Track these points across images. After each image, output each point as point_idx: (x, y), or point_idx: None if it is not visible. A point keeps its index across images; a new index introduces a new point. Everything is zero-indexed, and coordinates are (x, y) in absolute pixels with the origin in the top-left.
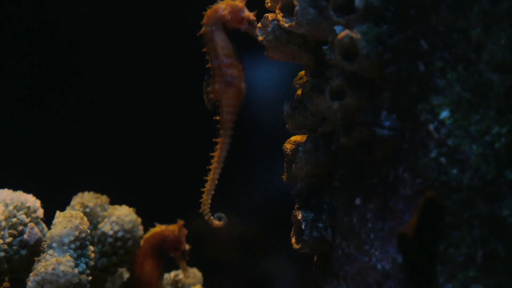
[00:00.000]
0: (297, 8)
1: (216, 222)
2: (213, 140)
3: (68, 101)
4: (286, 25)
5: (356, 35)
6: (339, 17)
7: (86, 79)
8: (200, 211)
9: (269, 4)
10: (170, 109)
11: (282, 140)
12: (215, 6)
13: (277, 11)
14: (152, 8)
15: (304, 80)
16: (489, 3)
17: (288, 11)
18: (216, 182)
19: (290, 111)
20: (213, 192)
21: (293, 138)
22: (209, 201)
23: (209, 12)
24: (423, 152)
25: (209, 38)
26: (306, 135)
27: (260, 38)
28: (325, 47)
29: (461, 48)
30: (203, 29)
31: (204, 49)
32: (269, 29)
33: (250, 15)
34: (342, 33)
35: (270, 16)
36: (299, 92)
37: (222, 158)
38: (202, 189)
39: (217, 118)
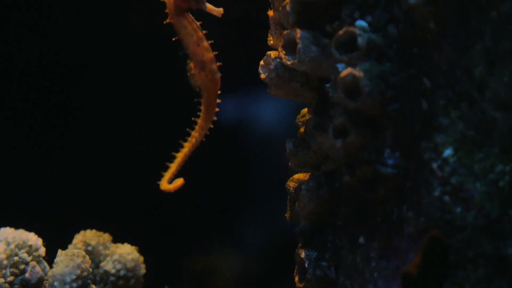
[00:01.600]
0: (299, 46)
1: (169, 186)
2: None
3: (70, 139)
4: (289, 63)
5: (358, 73)
6: (342, 55)
7: (87, 118)
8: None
9: (271, 42)
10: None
11: (285, 178)
12: None
13: (279, 49)
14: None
15: (307, 118)
16: (491, 41)
17: (290, 49)
18: (184, 162)
19: (293, 149)
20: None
21: (296, 176)
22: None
23: (166, 0)
24: (427, 190)
25: (176, 26)
26: (309, 173)
27: (262, 76)
28: (327, 85)
29: (464, 86)
30: (168, 18)
31: (176, 38)
32: (272, 67)
33: None
34: (345, 71)
35: (272, 54)
36: (302, 130)
37: (198, 140)
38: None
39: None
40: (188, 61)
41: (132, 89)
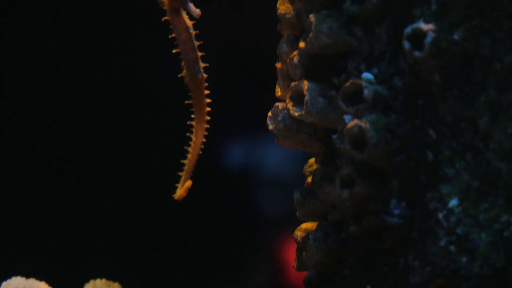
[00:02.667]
0: (306, 97)
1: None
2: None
3: (80, 187)
4: (296, 114)
5: (365, 124)
6: (348, 107)
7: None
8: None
9: (279, 93)
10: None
11: (292, 227)
12: None
13: (287, 100)
14: None
15: (314, 168)
16: (495, 93)
17: (298, 100)
18: (193, 167)
19: (300, 199)
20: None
21: (304, 225)
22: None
23: None
24: (433, 240)
25: (171, 24)
26: (316, 223)
27: (270, 127)
28: (334, 136)
29: (469, 137)
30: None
31: (172, 35)
32: (279, 118)
33: None
34: (351, 122)
35: (280, 105)
36: (309, 179)
37: (198, 142)
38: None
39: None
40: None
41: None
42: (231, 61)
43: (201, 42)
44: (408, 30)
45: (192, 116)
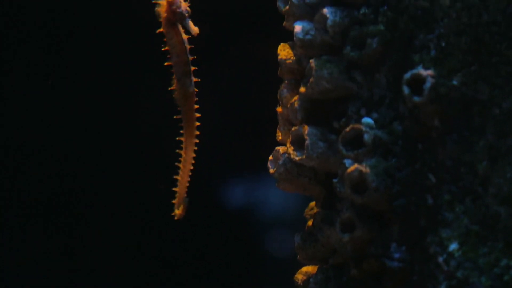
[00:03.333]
0: (307, 142)
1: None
2: (177, 139)
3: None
4: (297, 158)
5: (365, 169)
6: (349, 151)
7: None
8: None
9: (279, 138)
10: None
11: (293, 270)
12: (161, 3)
13: (288, 145)
14: None
15: (315, 212)
16: (494, 137)
17: (298, 144)
18: (187, 184)
19: (301, 243)
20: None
21: (304, 269)
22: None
23: (159, 10)
24: (433, 284)
25: (166, 36)
26: (317, 266)
27: (271, 170)
28: (335, 180)
29: (468, 181)
30: (161, 27)
31: (165, 48)
32: (280, 162)
33: (179, 5)
34: (352, 167)
35: (281, 149)
36: (310, 223)
37: (188, 158)
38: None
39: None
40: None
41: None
42: (232, 104)
43: (195, 57)
44: (407, 75)
45: (181, 131)
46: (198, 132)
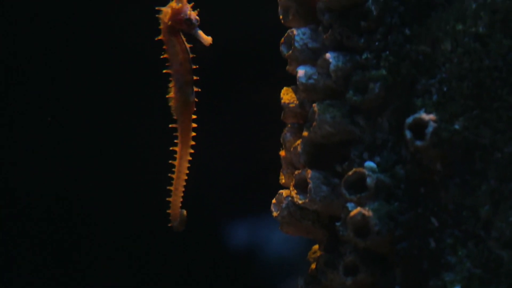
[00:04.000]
0: (310, 185)
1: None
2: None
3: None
4: (300, 202)
5: (368, 212)
6: (351, 195)
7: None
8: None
9: (283, 181)
10: None
11: None
12: (163, 10)
13: (291, 188)
14: None
15: (318, 255)
16: (496, 181)
17: (301, 188)
18: (181, 194)
19: (304, 286)
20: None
21: None
22: (177, 211)
23: (160, 17)
24: None
25: (166, 44)
26: None
27: (274, 214)
28: (338, 224)
29: (471, 225)
30: (161, 35)
31: (163, 55)
32: (283, 205)
33: (188, 13)
34: (355, 210)
35: (284, 192)
36: (313, 266)
37: (182, 169)
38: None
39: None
40: (169, 84)
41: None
42: (236, 147)
43: (197, 66)
44: (409, 120)
45: (176, 141)
46: (193, 142)
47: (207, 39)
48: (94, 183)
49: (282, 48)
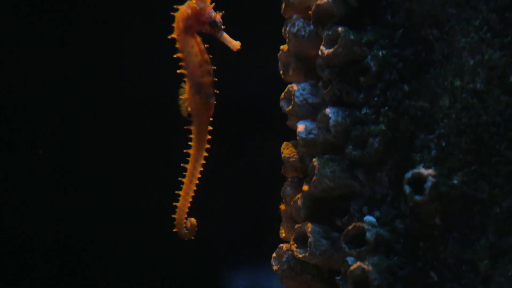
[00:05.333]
0: (310, 239)
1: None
2: (184, 151)
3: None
4: (300, 256)
5: (367, 267)
6: (351, 249)
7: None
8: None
9: (283, 235)
10: None
11: None
12: (181, 8)
13: (291, 242)
14: None
15: None
16: (495, 236)
17: (301, 242)
18: (190, 199)
19: None
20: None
21: None
22: (184, 217)
23: (177, 15)
24: None
25: (180, 44)
26: None
27: (275, 267)
28: (338, 277)
29: (470, 279)
30: (174, 33)
31: (177, 55)
32: (284, 259)
33: (213, 15)
34: (354, 264)
35: (284, 246)
36: None
37: (196, 173)
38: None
39: (190, 127)
40: (182, 84)
41: None
42: (237, 202)
43: (215, 67)
44: (408, 175)
45: (191, 143)
46: (208, 146)
47: (235, 44)
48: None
49: (282, 103)
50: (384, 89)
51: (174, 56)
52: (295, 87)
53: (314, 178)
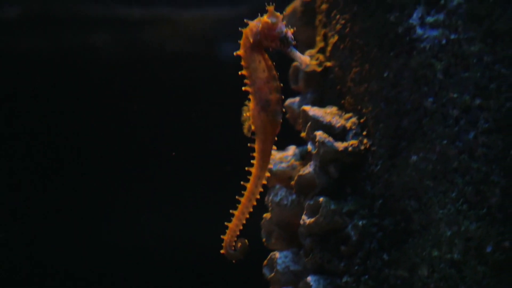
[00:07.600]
0: None
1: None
2: (246, 169)
3: None
4: None
5: None
6: None
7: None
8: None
9: None
10: None
11: None
12: (250, 24)
13: None
14: None
15: None
16: None
17: None
18: (244, 221)
19: None
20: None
21: None
22: (234, 239)
23: (245, 31)
24: None
25: (246, 60)
26: None
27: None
28: None
29: None
30: (240, 50)
31: (242, 72)
32: None
33: (283, 31)
34: None
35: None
36: None
37: (256, 192)
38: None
39: (253, 146)
40: (246, 102)
41: None
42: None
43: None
44: None
45: (253, 161)
46: (271, 165)
47: (305, 60)
48: None
49: (265, 271)
50: (364, 258)
51: (240, 73)
52: (277, 254)
53: None
